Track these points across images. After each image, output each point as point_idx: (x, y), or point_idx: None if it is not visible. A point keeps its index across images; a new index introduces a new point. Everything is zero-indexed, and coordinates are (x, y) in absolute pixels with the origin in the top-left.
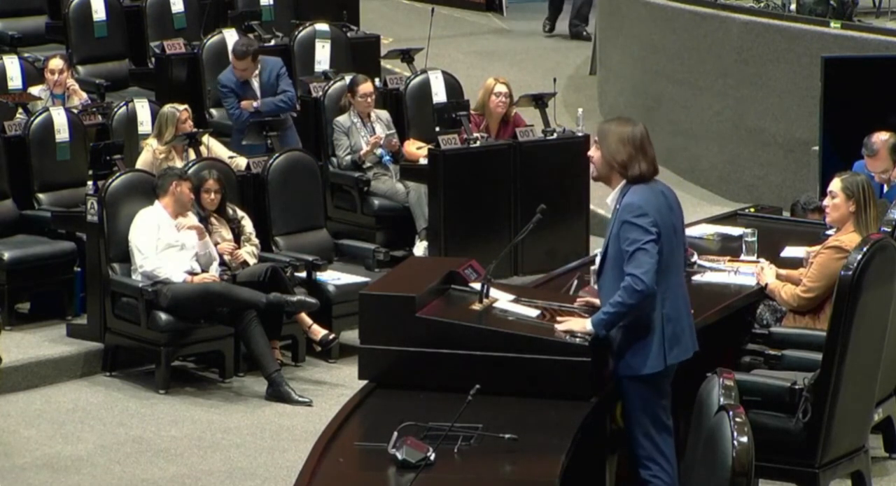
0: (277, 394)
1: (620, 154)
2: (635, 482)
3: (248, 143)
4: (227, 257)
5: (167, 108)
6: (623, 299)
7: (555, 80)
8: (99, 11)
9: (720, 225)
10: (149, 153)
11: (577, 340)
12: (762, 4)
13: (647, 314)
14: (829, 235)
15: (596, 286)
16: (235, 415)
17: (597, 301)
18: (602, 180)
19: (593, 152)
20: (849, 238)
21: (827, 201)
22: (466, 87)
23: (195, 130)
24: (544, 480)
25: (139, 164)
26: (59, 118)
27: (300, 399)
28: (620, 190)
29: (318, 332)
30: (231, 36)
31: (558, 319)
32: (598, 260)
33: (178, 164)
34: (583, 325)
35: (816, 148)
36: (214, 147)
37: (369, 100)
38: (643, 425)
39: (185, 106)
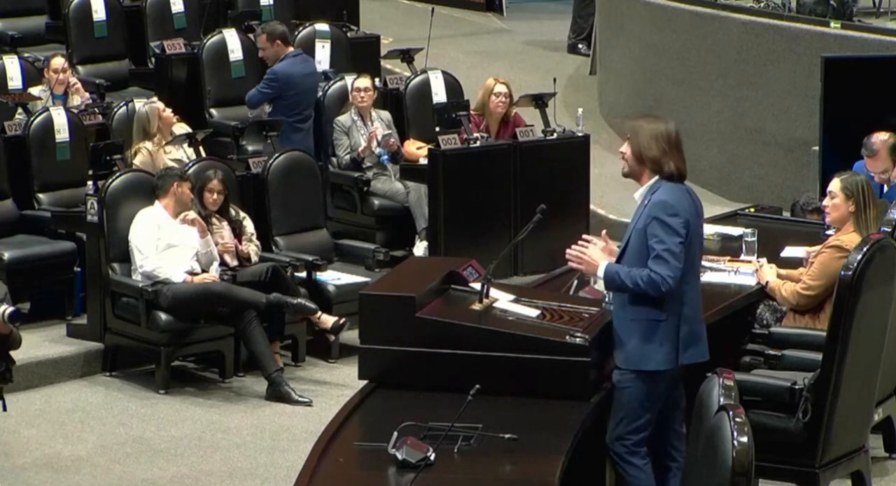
0: (278, 394)
1: (652, 150)
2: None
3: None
4: (226, 257)
5: (142, 107)
6: (645, 287)
7: (555, 80)
8: (99, 11)
9: (720, 225)
10: (144, 155)
11: (577, 340)
12: (762, 4)
13: (667, 312)
14: (830, 236)
15: (597, 286)
16: (235, 415)
17: (614, 247)
18: (632, 177)
19: (625, 148)
20: (849, 238)
21: (826, 202)
22: (466, 87)
23: (190, 130)
24: (544, 480)
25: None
26: (59, 118)
27: (300, 399)
28: (650, 187)
29: (328, 320)
30: (231, 36)
31: (574, 248)
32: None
33: (176, 154)
34: (595, 266)
35: (816, 148)
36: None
37: (363, 94)
38: (629, 422)
39: (155, 97)
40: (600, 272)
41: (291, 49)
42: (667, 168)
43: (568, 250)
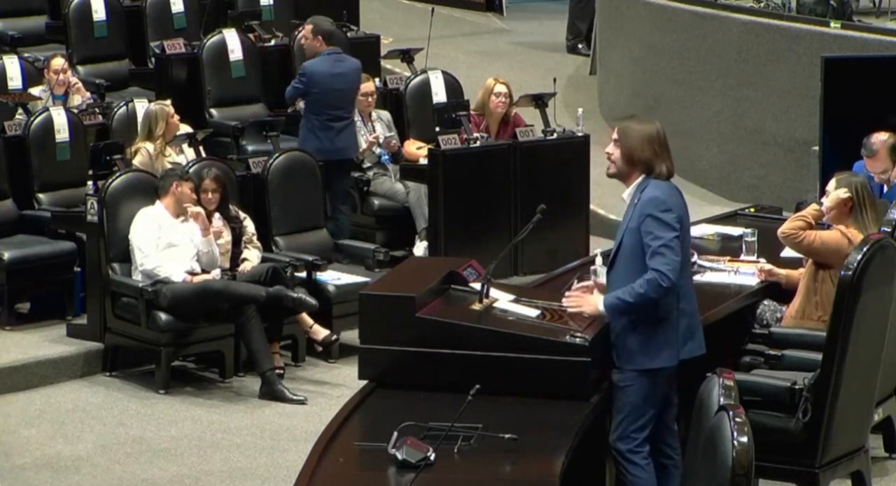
0: (271, 392)
1: (645, 151)
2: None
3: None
4: (223, 259)
5: (153, 105)
6: (646, 292)
7: (555, 80)
8: (99, 11)
9: (720, 225)
10: (144, 156)
11: (577, 340)
12: (762, 4)
13: (666, 309)
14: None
15: (599, 279)
16: (235, 415)
17: (590, 284)
18: (619, 178)
19: (612, 150)
20: (852, 233)
21: (824, 200)
22: (466, 87)
23: (190, 130)
24: (544, 480)
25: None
26: (59, 118)
27: (294, 397)
28: (638, 185)
29: (320, 332)
30: (231, 36)
31: (566, 294)
32: (598, 260)
33: (175, 157)
34: (594, 306)
35: (816, 148)
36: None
37: (370, 99)
38: (632, 421)
39: (168, 101)
40: (601, 307)
41: (329, 48)
42: (657, 169)
43: (564, 300)
